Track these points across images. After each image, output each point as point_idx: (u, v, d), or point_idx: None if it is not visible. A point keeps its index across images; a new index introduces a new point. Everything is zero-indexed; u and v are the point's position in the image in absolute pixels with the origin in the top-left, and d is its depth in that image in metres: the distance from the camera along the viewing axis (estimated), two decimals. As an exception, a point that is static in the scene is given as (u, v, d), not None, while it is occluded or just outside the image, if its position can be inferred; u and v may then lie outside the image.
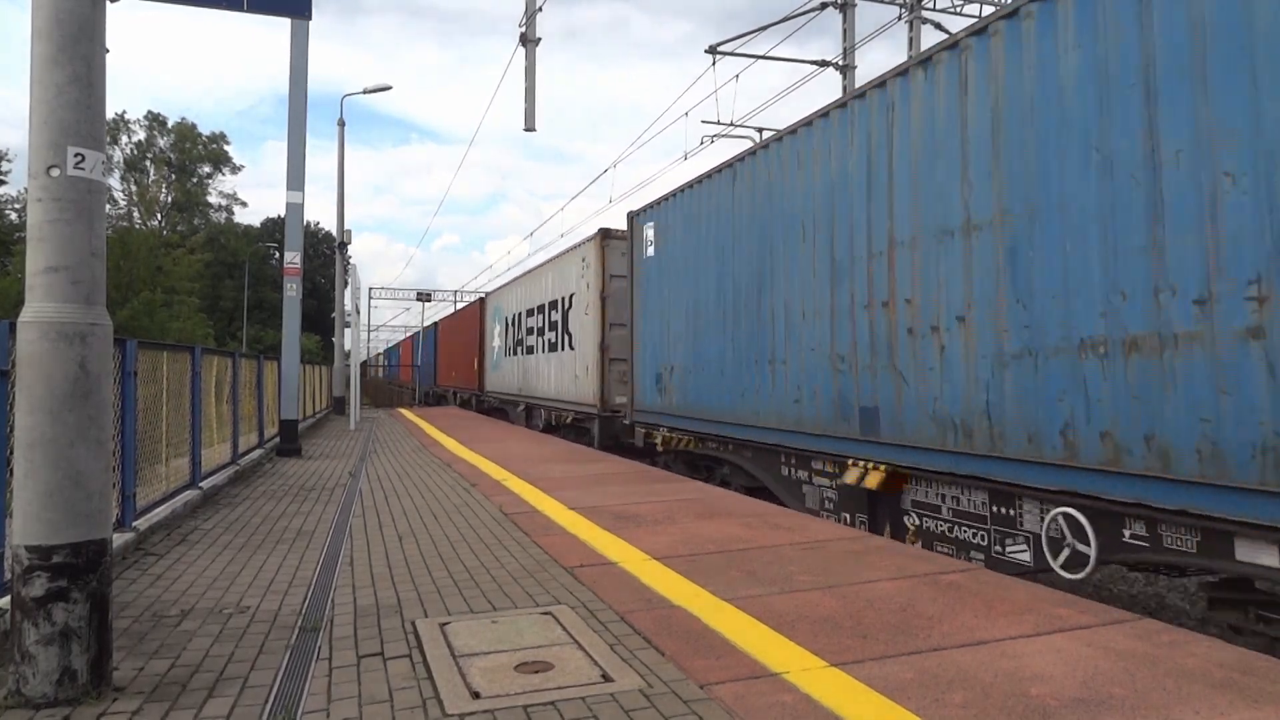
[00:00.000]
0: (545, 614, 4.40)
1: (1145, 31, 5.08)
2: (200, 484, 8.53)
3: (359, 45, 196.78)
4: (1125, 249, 5.15)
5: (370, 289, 52.82)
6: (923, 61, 7.00)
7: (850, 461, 7.76)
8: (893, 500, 7.41)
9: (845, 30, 17.04)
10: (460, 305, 48.08)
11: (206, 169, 66.09)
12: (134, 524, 6.27)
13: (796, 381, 8.70)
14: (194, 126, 64.77)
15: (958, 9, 16.97)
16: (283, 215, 14.62)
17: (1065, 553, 5.62)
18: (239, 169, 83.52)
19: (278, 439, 13.97)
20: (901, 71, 7.25)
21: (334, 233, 28.79)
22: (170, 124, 63.03)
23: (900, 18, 16.90)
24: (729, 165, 10.42)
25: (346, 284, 27.37)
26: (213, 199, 67.16)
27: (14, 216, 46.78)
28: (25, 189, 4.16)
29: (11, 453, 3.40)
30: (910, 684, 3.37)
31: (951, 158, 6.62)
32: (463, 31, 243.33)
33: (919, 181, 6.99)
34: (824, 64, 17.64)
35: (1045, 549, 5.81)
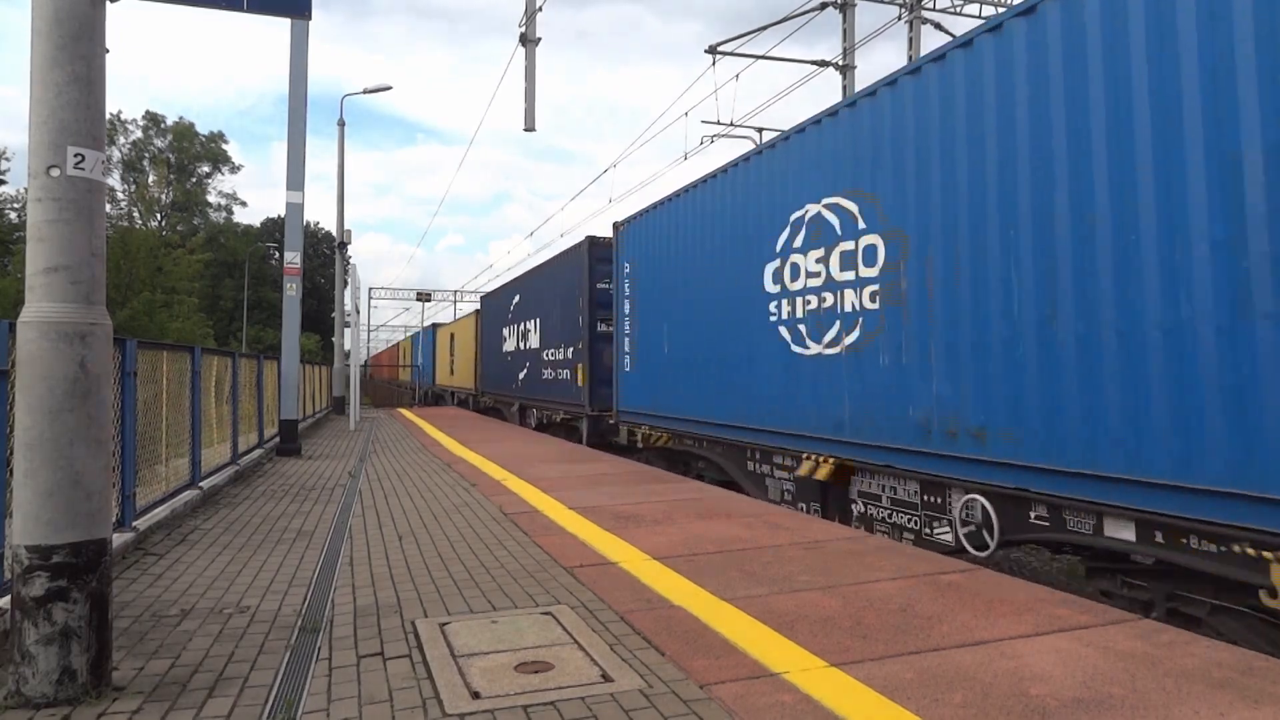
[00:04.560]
0: (545, 614, 4.40)
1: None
2: (200, 484, 8.53)
3: (367, 46, 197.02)
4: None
5: (370, 289, 52.86)
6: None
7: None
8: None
9: (845, 30, 17.04)
10: (460, 305, 48.07)
11: (205, 168, 66.11)
12: (134, 524, 6.27)
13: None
14: (192, 126, 64.84)
15: (957, 9, 16.97)
16: (283, 215, 14.63)
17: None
18: (238, 168, 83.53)
19: (277, 439, 13.97)
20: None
21: (334, 233, 28.77)
22: (168, 123, 63.10)
23: (900, 18, 16.90)
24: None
25: (346, 284, 27.35)
26: (212, 199, 67.23)
27: (14, 216, 46.75)
28: (25, 189, 4.16)
29: (11, 453, 3.41)
30: (910, 684, 3.37)
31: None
32: (470, 31, 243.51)
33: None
34: (824, 64, 17.64)
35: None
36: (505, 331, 24.09)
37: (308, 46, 14.28)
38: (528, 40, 13.00)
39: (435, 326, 43.12)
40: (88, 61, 3.43)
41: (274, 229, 61.53)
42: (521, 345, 21.65)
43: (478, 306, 31.23)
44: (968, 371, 6.30)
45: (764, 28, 17.47)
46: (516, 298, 22.79)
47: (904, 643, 3.86)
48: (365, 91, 29.06)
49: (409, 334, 59.57)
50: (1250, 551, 4.46)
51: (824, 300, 8.12)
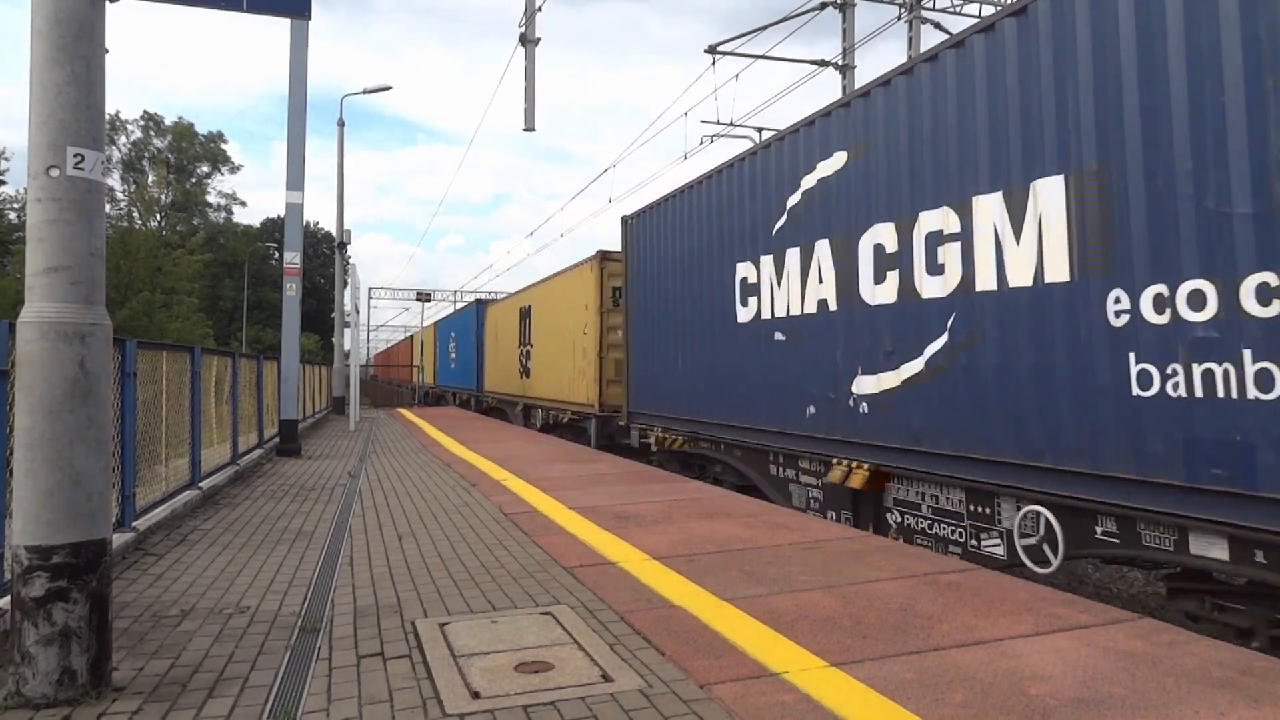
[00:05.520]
0: (545, 614, 4.40)
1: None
2: (200, 484, 8.53)
3: (368, 45, 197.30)
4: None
5: (370, 289, 52.94)
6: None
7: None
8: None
9: (845, 30, 17.05)
10: (460, 305, 47.75)
11: (205, 169, 66.13)
12: (134, 524, 6.27)
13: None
14: (191, 126, 64.85)
15: (957, 9, 16.97)
16: (283, 215, 14.64)
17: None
18: (238, 169, 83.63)
19: (277, 439, 13.97)
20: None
21: (334, 233, 28.78)
22: (167, 124, 63.10)
23: (900, 18, 16.90)
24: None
25: (346, 284, 27.36)
26: (212, 199, 67.25)
27: (14, 216, 46.76)
28: (25, 189, 4.16)
29: (11, 453, 3.40)
30: (910, 684, 3.37)
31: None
32: (470, 31, 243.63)
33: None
34: (823, 64, 17.65)
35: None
36: (739, 273, 10.00)
37: (308, 46, 14.31)
38: (528, 40, 13.01)
39: (481, 303, 30.39)
40: (87, 62, 3.43)
41: (274, 229, 61.58)
42: (895, 292, 7.20)
43: (595, 253, 16.05)
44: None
45: (764, 27, 17.49)
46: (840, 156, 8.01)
47: (904, 642, 3.86)
48: (365, 91, 29.14)
49: (408, 331, 58.67)
50: None
51: None
